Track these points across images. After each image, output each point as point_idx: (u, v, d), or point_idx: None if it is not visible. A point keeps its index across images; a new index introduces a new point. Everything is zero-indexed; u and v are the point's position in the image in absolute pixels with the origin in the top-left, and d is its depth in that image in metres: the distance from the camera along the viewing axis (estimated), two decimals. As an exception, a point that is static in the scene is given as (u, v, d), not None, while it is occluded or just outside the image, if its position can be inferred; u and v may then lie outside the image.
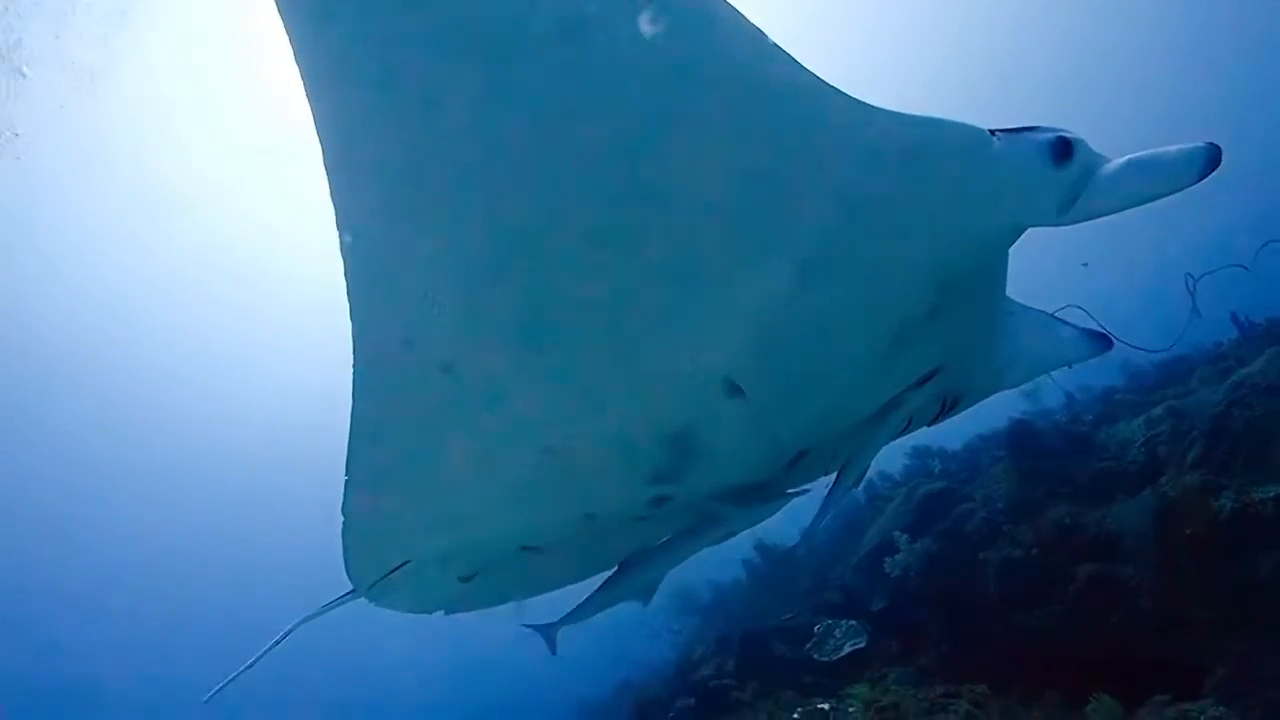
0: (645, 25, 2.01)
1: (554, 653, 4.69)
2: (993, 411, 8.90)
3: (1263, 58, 35.47)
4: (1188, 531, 4.98)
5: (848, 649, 7.09)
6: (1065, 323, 3.72)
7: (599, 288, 2.51)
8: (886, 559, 7.59)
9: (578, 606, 4.23)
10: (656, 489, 3.33)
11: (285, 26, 1.96)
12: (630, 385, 2.82)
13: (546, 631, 4.66)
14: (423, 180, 2.28)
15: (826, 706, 5.20)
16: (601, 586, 4.06)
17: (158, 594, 38.67)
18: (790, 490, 3.69)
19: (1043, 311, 3.73)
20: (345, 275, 2.42)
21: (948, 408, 3.74)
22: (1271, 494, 4.61)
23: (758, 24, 2.12)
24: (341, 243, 2.35)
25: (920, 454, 11.33)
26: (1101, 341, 3.71)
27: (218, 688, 3.99)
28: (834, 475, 3.61)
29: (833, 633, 7.40)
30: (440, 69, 2.06)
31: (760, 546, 11.20)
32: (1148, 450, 6.46)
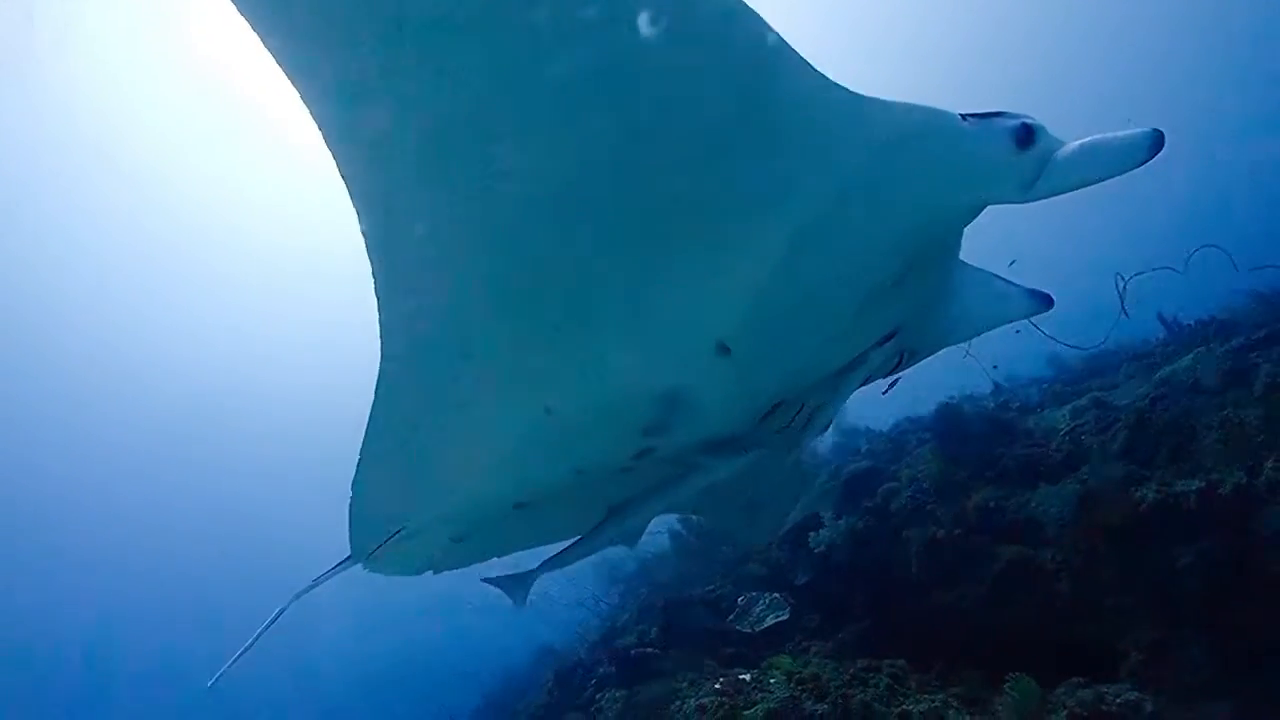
0: (662, 21, 2.11)
1: (521, 604, 4.76)
2: (920, 395, 9.05)
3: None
4: (1108, 520, 5.08)
5: (770, 621, 7.15)
6: (1010, 282, 3.99)
7: (620, 264, 2.73)
8: (811, 534, 7.64)
9: (562, 550, 4.37)
10: (644, 442, 3.59)
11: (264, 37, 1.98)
12: (636, 350, 3.07)
13: (521, 581, 4.72)
14: (451, 173, 2.37)
15: (748, 677, 5.21)
16: (588, 533, 4.20)
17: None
18: (757, 445, 3.94)
19: (990, 272, 3.99)
20: (371, 266, 2.54)
21: (904, 361, 4.04)
22: (1193, 487, 4.72)
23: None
24: (366, 233, 2.45)
25: (848, 433, 11.42)
26: (1043, 300, 3.96)
27: (221, 670, 4.06)
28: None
29: (756, 605, 7.45)
30: (465, 57, 2.11)
31: (685, 518, 11.19)
32: (1072, 439, 6.59)
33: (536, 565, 4.56)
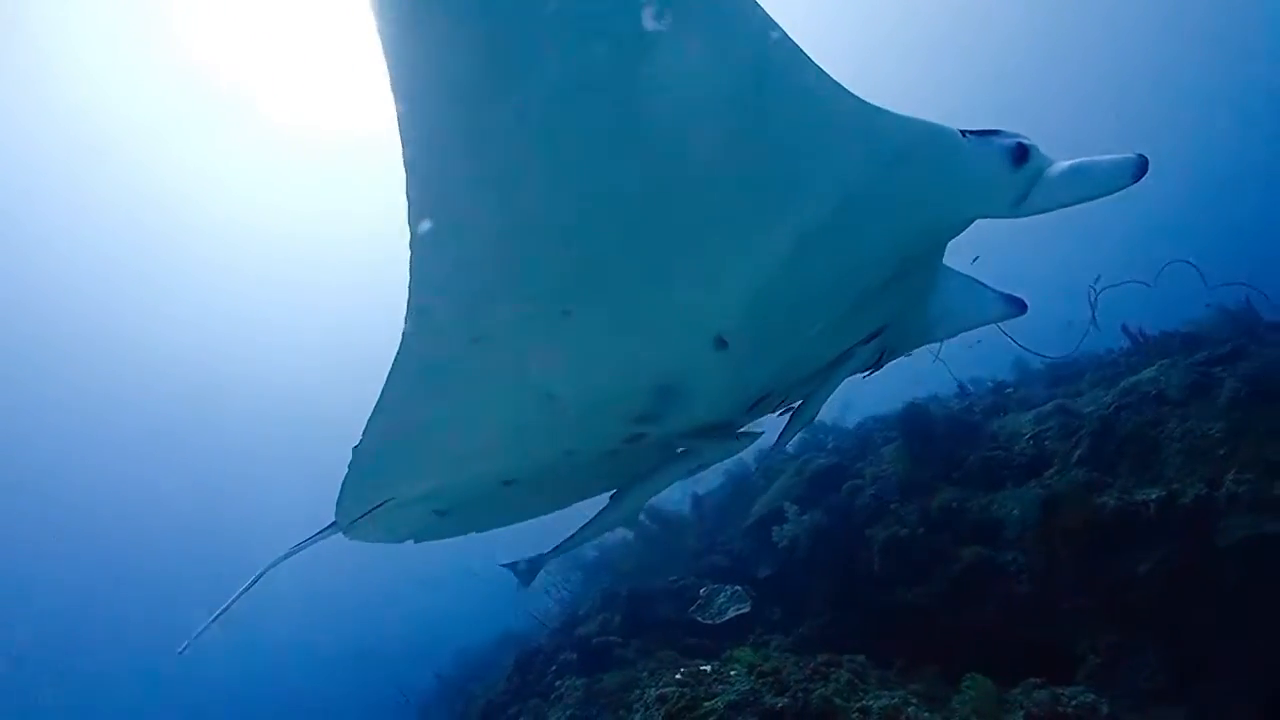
0: (683, 29, 2.17)
1: (527, 585, 4.91)
2: (887, 394, 9.13)
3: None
4: (1069, 524, 5.15)
5: (732, 613, 7.19)
6: (987, 286, 4.20)
7: (632, 258, 2.80)
8: (775, 528, 7.70)
9: (568, 538, 4.57)
10: (636, 428, 3.70)
11: (380, 28, 2.05)
12: (640, 341, 3.18)
13: (531, 564, 4.87)
14: (485, 180, 2.46)
15: (708, 668, 5.22)
16: (595, 517, 4.42)
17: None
18: (748, 431, 4.14)
19: (968, 276, 4.18)
20: (410, 262, 2.62)
21: (884, 358, 4.22)
22: (1154, 496, 4.80)
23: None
24: (412, 231, 2.51)
25: (814, 429, 11.44)
26: (1017, 304, 4.20)
27: (194, 634, 4.18)
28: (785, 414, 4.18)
29: (718, 596, 7.49)
30: (508, 68, 2.19)
31: (650, 509, 11.20)
32: (1036, 444, 6.67)
33: (547, 550, 4.73)
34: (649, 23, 2.13)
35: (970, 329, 4.55)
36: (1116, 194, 2.98)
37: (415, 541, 4.55)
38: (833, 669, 4.85)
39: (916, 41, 37.36)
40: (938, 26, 37.04)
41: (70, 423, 39.28)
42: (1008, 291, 4.27)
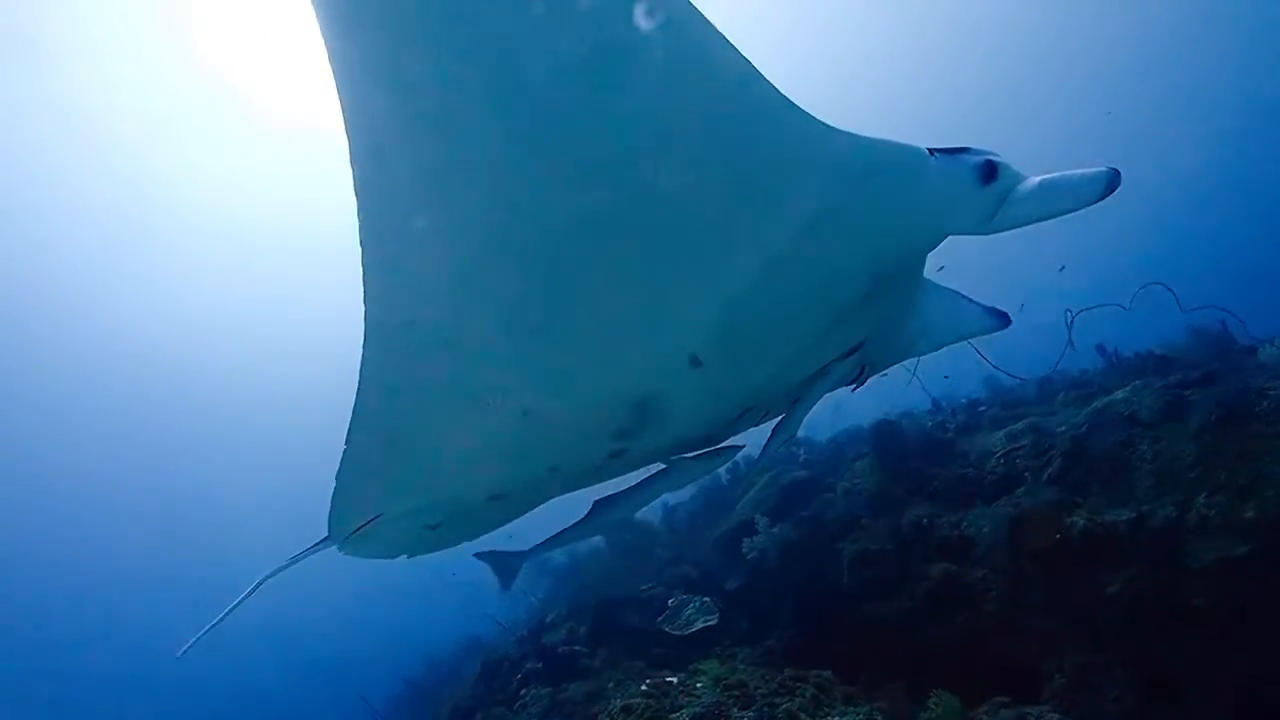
0: (654, 65, 2.25)
1: (507, 588, 4.97)
2: (860, 410, 9.13)
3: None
4: (1038, 544, 5.14)
5: (699, 625, 7.13)
6: (970, 300, 4.24)
7: (598, 279, 2.86)
8: (745, 540, 7.67)
9: (548, 539, 4.62)
10: (617, 444, 3.77)
11: (322, 31, 2.08)
12: (610, 359, 3.22)
13: (507, 562, 4.91)
14: (442, 185, 2.50)
15: (675, 680, 5.19)
16: (575, 524, 4.56)
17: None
18: (731, 445, 4.28)
19: (951, 289, 4.25)
20: (362, 255, 2.66)
21: (865, 373, 4.33)
22: (1124, 517, 4.80)
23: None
24: (361, 233, 2.59)
25: (787, 441, 11.43)
26: (1000, 317, 4.25)
27: (193, 640, 4.16)
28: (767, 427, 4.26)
29: (686, 607, 7.43)
30: (462, 84, 2.24)
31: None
32: (1007, 462, 6.66)
33: (528, 548, 4.75)
34: (606, 56, 2.18)
35: (954, 342, 4.60)
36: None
37: (409, 556, 4.57)
38: (799, 684, 4.82)
39: (917, 41, 37.56)
40: (937, 26, 37.24)
41: (57, 417, 38.88)
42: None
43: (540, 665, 7.54)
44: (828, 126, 2.62)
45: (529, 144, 2.39)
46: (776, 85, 2.43)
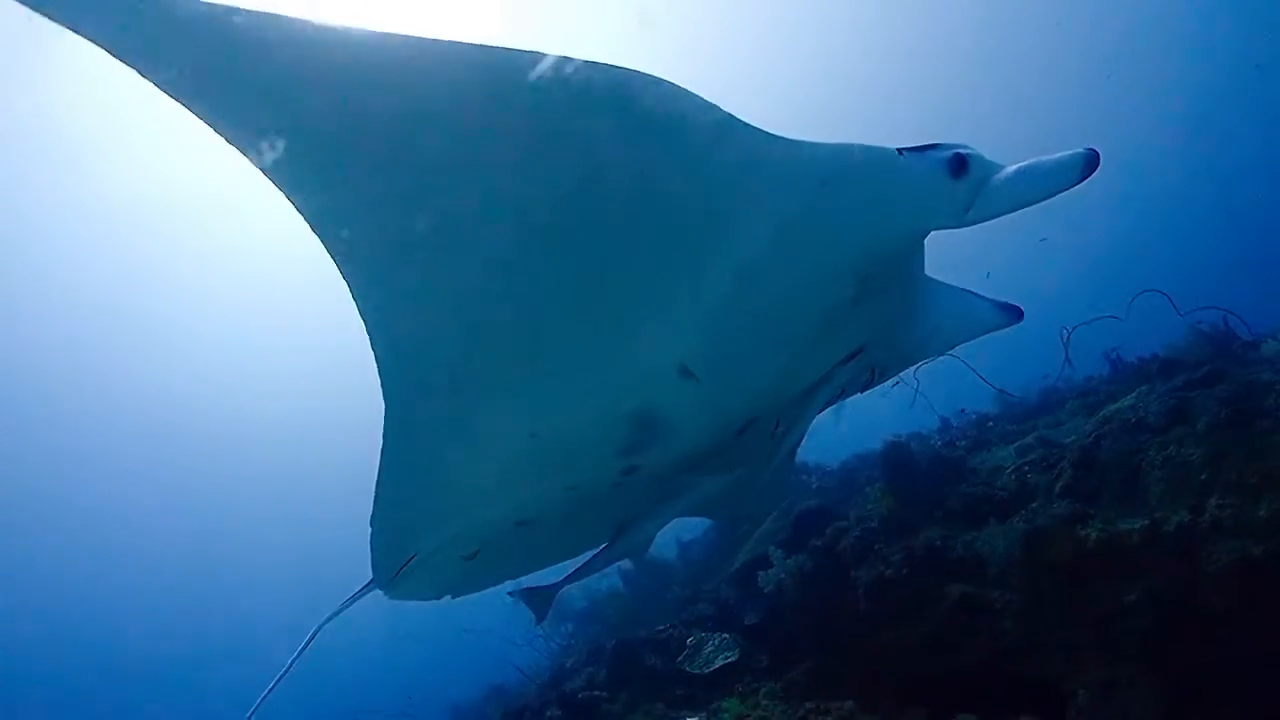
0: (612, 102, 2.41)
1: (540, 621, 5.09)
2: (869, 433, 9.09)
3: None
4: (1053, 558, 5.07)
5: (719, 663, 7.05)
6: (980, 296, 4.27)
7: (581, 301, 2.99)
8: (760, 573, 7.58)
9: (579, 568, 4.73)
10: (627, 460, 3.85)
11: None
12: (602, 377, 3.33)
13: (541, 595, 5.02)
14: (436, 227, 2.65)
15: (696, 720, 5.15)
16: (601, 550, 4.60)
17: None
18: (743, 461, 4.27)
19: (960, 287, 4.25)
20: (367, 328, 2.90)
21: (876, 376, 4.38)
22: (1137, 525, 4.73)
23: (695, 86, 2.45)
24: (358, 298, 2.79)
25: (798, 470, 11.39)
26: (1013, 312, 4.30)
27: (258, 702, 4.19)
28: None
29: (705, 646, 7.35)
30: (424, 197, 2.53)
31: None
32: (1018, 477, 6.61)
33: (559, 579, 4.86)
34: (554, 93, 2.28)
35: (967, 340, 4.61)
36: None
37: (453, 596, 4.69)
38: (821, 716, 4.76)
39: (916, 42, 37.81)
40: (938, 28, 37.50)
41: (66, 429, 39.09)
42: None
43: (561, 713, 7.45)
44: (780, 138, 2.72)
45: (511, 223, 2.61)
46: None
